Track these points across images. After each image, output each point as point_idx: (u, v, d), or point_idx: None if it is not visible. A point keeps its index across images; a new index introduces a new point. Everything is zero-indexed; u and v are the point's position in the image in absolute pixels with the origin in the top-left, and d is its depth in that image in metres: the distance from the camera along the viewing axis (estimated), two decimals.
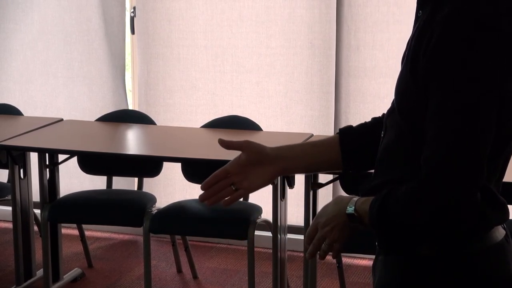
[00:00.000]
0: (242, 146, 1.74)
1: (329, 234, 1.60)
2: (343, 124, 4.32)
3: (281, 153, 1.76)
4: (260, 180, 1.75)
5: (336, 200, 1.61)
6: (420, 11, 1.58)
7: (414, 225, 1.48)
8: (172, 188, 4.73)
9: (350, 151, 1.76)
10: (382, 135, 1.64)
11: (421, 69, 1.46)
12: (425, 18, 1.52)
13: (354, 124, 1.83)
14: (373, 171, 1.67)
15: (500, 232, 1.56)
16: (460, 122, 1.40)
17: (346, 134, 1.78)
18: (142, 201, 3.88)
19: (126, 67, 4.91)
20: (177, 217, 3.75)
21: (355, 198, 1.57)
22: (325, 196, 4.34)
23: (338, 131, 1.81)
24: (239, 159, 1.74)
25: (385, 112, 1.80)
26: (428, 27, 1.48)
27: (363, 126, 1.80)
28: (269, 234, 3.77)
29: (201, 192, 1.76)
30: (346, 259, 4.29)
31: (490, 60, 1.41)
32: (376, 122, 1.79)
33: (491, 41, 1.42)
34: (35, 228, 4.13)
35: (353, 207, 1.56)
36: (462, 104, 1.40)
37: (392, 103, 1.61)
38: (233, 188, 1.74)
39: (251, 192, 1.77)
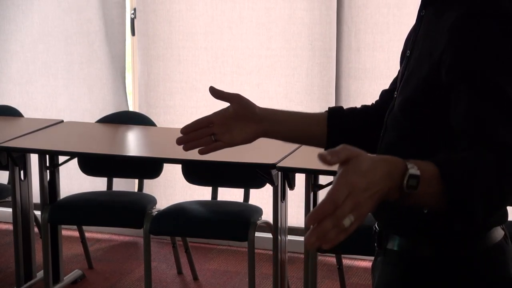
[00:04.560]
0: (232, 98, 1.71)
1: (364, 204, 1.18)
2: None
3: (268, 114, 1.73)
4: (241, 136, 1.71)
5: (378, 157, 1.26)
6: (424, 11, 1.57)
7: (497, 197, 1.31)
8: (172, 189, 4.73)
9: (336, 131, 1.74)
10: (382, 134, 1.63)
11: (445, 67, 1.43)
12: (432, 19, 1.51)
13: None
14: None
15: (499, 232, 1.56)
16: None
17: (335, 114, 1.76)
18: (143, 202, 3.88)
19: (127, 69, 4.91)
20: (178, 219, 3.75)
21: (408, 160, 1.27)
22: None
23: (328, 109, 1.79)
24: (226, 111, 1.71)
25: (373, 102, 1.80)
26: (440, 27, 1.47)
27: (353, 111, 1.79)
28: (269, 235, 3.77)
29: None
30: (347, 261, 4.29)
31: None
32: (365, 109, 1.78)
33: None
34: (36, 229, 4.13)
35: (416, 167, 1.25)
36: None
37: (393, 102, 1.60)
38: (213, 139, 1.70)
39: (230, 146, 1.73)
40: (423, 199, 1.28)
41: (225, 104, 1.73)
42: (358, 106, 1.83)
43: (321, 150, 1.28)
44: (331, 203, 1.14)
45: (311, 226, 1.15)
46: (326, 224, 1.14)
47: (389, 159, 1.25)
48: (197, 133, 1.71)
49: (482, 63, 1.39)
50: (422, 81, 1.48)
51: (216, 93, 1.71)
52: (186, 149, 1.70)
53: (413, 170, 1.23)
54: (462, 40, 1.41)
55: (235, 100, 1.71)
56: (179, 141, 1.70)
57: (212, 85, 1.72)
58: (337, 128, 1.75)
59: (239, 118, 1.70)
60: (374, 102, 1.80)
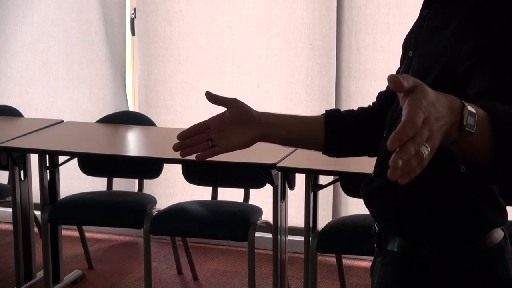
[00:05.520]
0: (229, 103, 1.70)
1: (435, 135, 1.09)
2: None
3: (266, 118, 1.72)
4: (238, 141, 1.70)
5: (440, 93, 1.16)
6: (426, 10, 1.57)
7: None
8: (172, 189, 4.73)
9: (333, 135, 1.74)
10: (385, 135, 1.63)
11: (463, 57, 1.42)
12: (435, 18, 1.51)
13: None
14: (372, 172, 1.66)
15: (499, 233, 1.56)
16: None
17: (333, 117, 1.76)
18: (143, 202, 3.88)
19: (127, 69, 4.91)
20: (178, 219, 3.75)
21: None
22: (325, 198, 4.35)
23: (324, 112, 1.78)
24: (223, 116, 1.69)
25: (370, 104, 1.80)
26: (445, 25, 1.46)
27: (350, 113, 1.79)
28: (269, 235, 3.77)
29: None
30: (347, 261, 4.29)
31: None
32: (363, 112, 1.78)
33: None
34: (36, 229, 4.13)
35: (471, 106, 1.17)
36: None
37: (396, 102, 1.59)
38: (210, 144, 1.69)
39: (227, 151, 1.71)
40: (475, 143, 1.20)
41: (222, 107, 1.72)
42: (358, 106, 1.82)
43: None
44: (412, 125, 1.06)
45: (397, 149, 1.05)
46: (409, 148, 1.05)
47: (446, 94, 1.17)
48: (194, 139, 1.69)
49: (501, 38, 1.38)
50: (433, 79, 1.46)
51: (212, 98, 1.69)
52: (183, 155, 1.69)
53: (470, 108, 1.16)
54: (477, 27, 1.41)
55: (232, 104, 1.70)
56: (176, 147, 1.69)
57: (208, 90, 1.71)
58: (335, 131, 1.74)
59: (236, 122, 1.69)
60: (371, 104, 1.80)
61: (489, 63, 1.37)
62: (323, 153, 1.77)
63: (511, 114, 1.22)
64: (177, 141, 1.69)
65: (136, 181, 4.31)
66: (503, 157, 1.22)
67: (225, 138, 1.69)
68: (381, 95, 1.77)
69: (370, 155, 1.77)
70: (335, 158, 1.83)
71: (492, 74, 1.35)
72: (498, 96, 1.29)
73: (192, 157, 1.71)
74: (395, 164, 1.04)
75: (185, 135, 1.69)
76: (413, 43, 1.58)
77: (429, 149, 1.07)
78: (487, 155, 1.22)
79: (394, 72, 1.76)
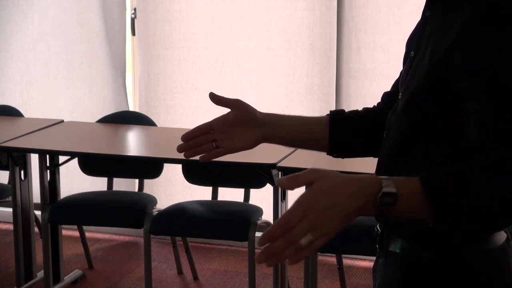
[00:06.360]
0: (232, 104, 1.70)
1: (326, 223, 1.23)
2: None
3: (269, 119, 1.72)
4: (242, 142, 1.70)
5: (349, 177, 1.27)
6: (428, 11, 1.56)
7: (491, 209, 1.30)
8: (172, 189, 4.73)
9: (337, 135, 1.74)
10: (385, 136, 1.62)
11: (451, 69, 1.41)
12: (438, 19, 1.50)
13: None
14: (373, 173, 1.65)
15: (501, 235, 1.55)
16: None
17: (337, 118, 1.75)
18: (143, 202, 3.88)
19: (127, 69, 4.91)
20: (178, 219, 3.75)
21: (383, 176, 1.29)
22: None
23: (329, 112, 1.78)
24: (226, 117, 1.70)
25: (375, 104, 1.80)
26: (446, 27, 1.45)
27: (354, 114, 1.78)
28: None
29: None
30: (347, 261, 4.29)
31: None
32: (367, 113, 1.77)
33: None
34: (36, 229, 4.13)
35: (393, 185, 1.26)
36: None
37: (396, 103, 1.59)
38: (214, 145, 1.69)
39: (231, 152, 1.72)
40: (408, 214, 1.30)
41: (227, 108, 1.72)
42: (358, 106, 1.82)
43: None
44: (282, 227, 1.22)
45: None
46: (277, 244, 1.21)
47: (361, 178, 1.27)
48: (197, 140, 1.70)
49: (493, 66, 1.36)
50: (424, 78, 1.46)
51: (216, 99, 1.70)
52: (187, 156, 1.70)
53: (388, 188, 1.25)
54: (472, 43, 1.39)
55: (235, 105, 1.70)
56: (179, 149, 1.69)
57: (209, 90, 1.72)
58: (339, 131, 1.74)
59: (240, 123, 1.69)
60: (375, 105, 1.79)
61: (479, 102, 1.36)
62: (327, 154, 1.77)
63: (455, 187, 1.28)
64: (179, 141, 1.69)
65: (136, 181, 4.31)
66: (444, 221, 1.31)
67: (228, 139, 1.70)
68: (385, 96, 1.76)
69: (374, 155, 1.77)
70: (335, 158, 1.83)
71: (479, 123, 1.35)
72: (482, 153, 1.33)
73: (193, 158, 1.71)
74: (257, 258, 1.22)
75: (189, 136, 1.70)
76: (415, 44, 1.58)
77: (311, 237, 1.20)
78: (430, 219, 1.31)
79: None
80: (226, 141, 1.70)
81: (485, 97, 1.36)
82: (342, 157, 1.80)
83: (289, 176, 1.26)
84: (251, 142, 1.71)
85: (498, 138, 1.33)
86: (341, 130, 1.74)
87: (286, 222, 1.22)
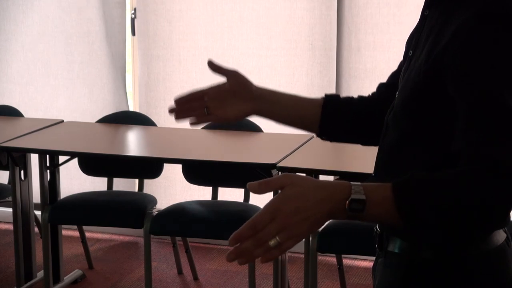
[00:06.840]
0: (230, 73, 1.72)
1: (293, 227, 1.27)
2: None
3: (264, 94, 1.73)
4: (234, 112, 1.71)
5: (319, 183, 1.31)
6: (427, 10, 1.56)
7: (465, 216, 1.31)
8: (172, 189, 4.73)
9: (330, 117, 1.75)
10: (383, 134, 1.63)
11: (445, 69, 1.41)
12: (437, 19, 1.50)
13: None
14: (372, 172, 1.66)
15: (501, 235, 1.55)
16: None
17: (331, 101, 1.76)
18: (143, 202, 3.88)
19: (127, 69, 4.91)
20: (178, 219, 3.75)
21: (354, 183, 1.32)
22: None
23: (324, 95, 1.79)
24: (222, 86, 1.71)
25: (370, 93, 1.80)
26: (444, 27, 1.45)
27: (349, 100, 1.79)
28: None
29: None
30: (347, 261, 4.29)
31: None
32: (361, 100, 1.79)
33: None
34: (36, 229, 4.13)
35: (362, 192, 1.30)
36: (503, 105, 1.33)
37: (394, 101, 1.59)
38: (206, 112, 1.70)
39: (222, 121, 1.73)
40: (379, 219, 1.37)
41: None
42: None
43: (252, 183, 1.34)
44: (249, 229, 1.27)
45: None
46: (246, 245, 1.26)
47: (331, 184, 1.30)
48: (190, 105, 1.72)
49: (485, 76, 1.36)
50: (420, 77, 1.46)
51: (214, 67, 1.71)
52: (177, 118, 1.72)
53: (357, 195, 1.28)
54: (467, 44, 1.38)
55: (232, 75, 1.72)
56: (171, 110, 1.71)
57: (211, 59, 1.72)
58: (331, 115, 1.75)
59: (234, 94, 1.71)
60: (370, 94, 1.81)
61: (467, 109, 1.36)
62: (316, 135, 1.78)
63: (430, 184, 1.30)
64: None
65: (136, 181, 4.31)
66: (414, 226, 1.34)
67: (221, 108, 1.71)
68: (381, 86, 1.78)
69: (363, 143, 1.79)
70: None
71: (465, 126, 1.35)
72: (464, 157, 1.34)
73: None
74: (227, 257, 1.27)
75: (182, 100, 1.72)
76: (413, 43, 1.58)
77: (279, 240, 1.26)
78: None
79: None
80: (218, 110, 1.71)
81: (472, 99, 1.36)
82: (331, 141, 1.81)
83: (260, 181, 1.29)
84: (243, 113, 1.72)
85: (480, 142, 1.33)
86: (333, 114, 1.75)
87: (253, 224, 1.27)
